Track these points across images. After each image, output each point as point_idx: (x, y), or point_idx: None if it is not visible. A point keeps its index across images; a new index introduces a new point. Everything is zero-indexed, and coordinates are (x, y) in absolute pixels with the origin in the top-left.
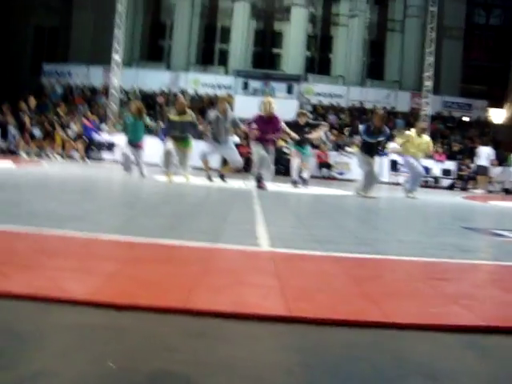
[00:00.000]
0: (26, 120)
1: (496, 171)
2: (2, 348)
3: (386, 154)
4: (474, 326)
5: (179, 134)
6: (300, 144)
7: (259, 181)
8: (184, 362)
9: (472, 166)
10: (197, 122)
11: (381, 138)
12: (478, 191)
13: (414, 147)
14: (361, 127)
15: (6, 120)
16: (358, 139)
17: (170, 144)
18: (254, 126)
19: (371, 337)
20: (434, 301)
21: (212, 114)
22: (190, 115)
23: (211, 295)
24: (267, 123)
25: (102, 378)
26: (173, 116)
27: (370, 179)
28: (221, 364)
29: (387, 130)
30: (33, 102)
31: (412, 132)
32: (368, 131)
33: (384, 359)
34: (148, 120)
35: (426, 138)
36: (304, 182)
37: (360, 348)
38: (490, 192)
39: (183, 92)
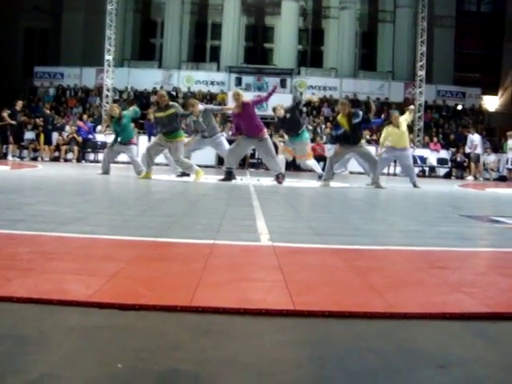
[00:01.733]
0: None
1: (490, 158)
2: (8, 352)
3: (377, 122)
4: (480, 313)
5: (167, 129)
6: (290, 135)
7: (229, 174)
8: (192, 360)
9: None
10: (182, 110)
11: (356, 121)
12: (469, 178)
13: (395, 139)
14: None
15: (6, 125)
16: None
17: (152, 143)
18: (234, 129)
19: (378, 328)
20: (437, 289)
21: (188, 119)
22: (174, 107)
23: (215, 292)
24: (242, 117)
25: (111, 378)
26: (157, 113)
27: (370, 165)
28: (229, 361)
29: (358, 112)
30: (20, 105)
31: (389, 126)
32: (335, 126)
33: (392, 350)
34: (132, 111)
35: (404, 127)
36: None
37: (367, 340)
38: (487, 180)
39: (176, 89)
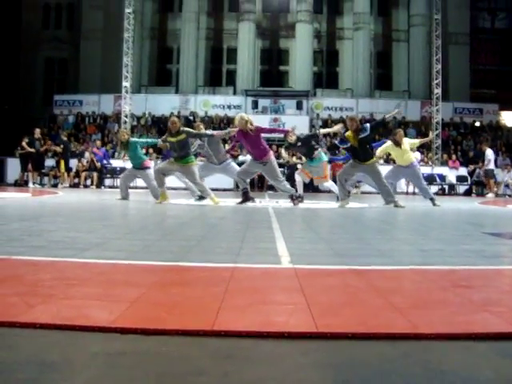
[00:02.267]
0: (25, 149)
1: (510, 175)
2: (32, 379)
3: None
4: (506, 333)
5: (177, 154)
6: (308, 157)
7: (245, 195)
8: None
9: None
10: (195, 132)
11: (362, 135)
12: (490, 196)
13: (397, 156)
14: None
15: (27, 153)
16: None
17: (163, 164)
18: (233, 143)
19: (402, 349)
20: (462, 309)
21: (196, 143)
22: (185, 132)
23: (237, 315)
24: (247, 139)
25: None
26: (169, 138)
27: (380, 187)
28: None
29: (365, 125)
30: (38, 133)
31: (388, 143)
32: (341, 140)
33: (418, 372)
34: (143, 141)
35: (406, 146)
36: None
37: (392, 361)
38: (509, 196)
39: (194, 114)
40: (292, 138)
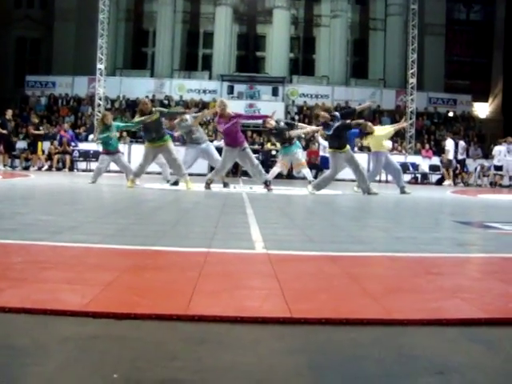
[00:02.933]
0: None
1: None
2: (3, 363)
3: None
4: (477, 319)
5: (155, 135)
6: (284, 145)
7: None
8: (188, 370)
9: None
10: (167, 110)
11: (336, 124)
12: (446, 183)
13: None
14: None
15: None
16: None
17: (143, 157)
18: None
19: (375, 335)
20: (434, 295)
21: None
22: (159, 111)
23: (211, 300)
24: (227, 125)
25: None
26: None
27: (357, 175)
28: (226, 370)
29: (335, 114)
30: (9, 114)
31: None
32: (324, 125)
33: (390, 356)
34: (123, 124)
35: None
36: (309, 181)
37: (365, 346)
38: (479, 186)
39: (168, 98)
40: (271, 124)
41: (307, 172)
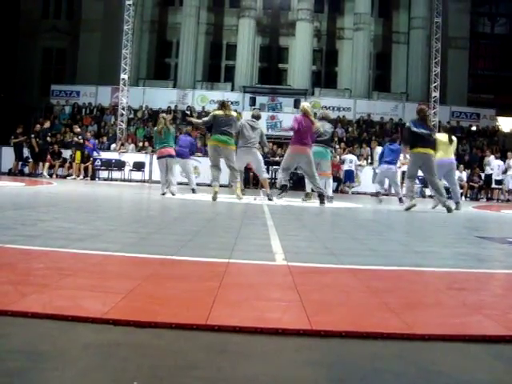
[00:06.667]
0: (33, 143)
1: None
2: (22, 367)
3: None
4: (500, 336)
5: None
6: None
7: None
8: (208, 379)
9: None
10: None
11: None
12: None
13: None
14: None
15: (21, 142)
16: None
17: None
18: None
19: (395, 349)
20: (456, 311)
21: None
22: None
23: (231, 311)
24: (309, 128)
25: None
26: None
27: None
28: (246, 380)
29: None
30: (48, 124)
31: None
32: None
33: (410, 371)
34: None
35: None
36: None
37: (385, 361)
38: (508, 201)
39: (191, 109)
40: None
41: (330, 184)
